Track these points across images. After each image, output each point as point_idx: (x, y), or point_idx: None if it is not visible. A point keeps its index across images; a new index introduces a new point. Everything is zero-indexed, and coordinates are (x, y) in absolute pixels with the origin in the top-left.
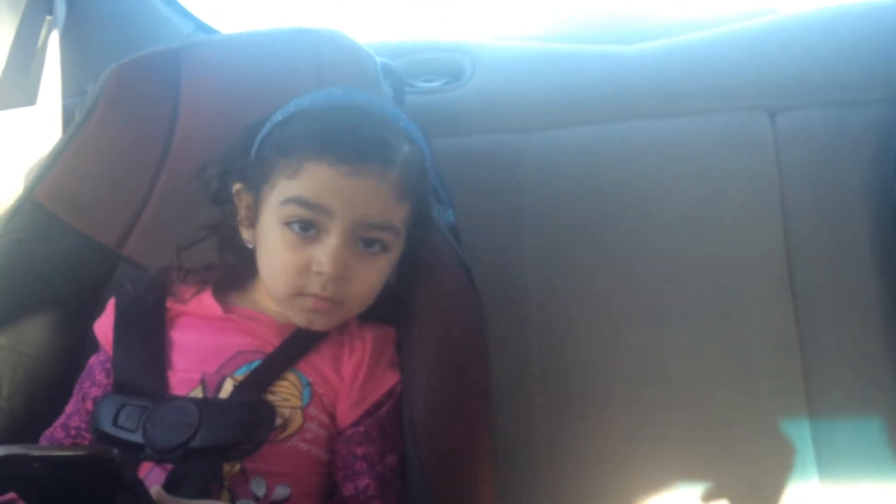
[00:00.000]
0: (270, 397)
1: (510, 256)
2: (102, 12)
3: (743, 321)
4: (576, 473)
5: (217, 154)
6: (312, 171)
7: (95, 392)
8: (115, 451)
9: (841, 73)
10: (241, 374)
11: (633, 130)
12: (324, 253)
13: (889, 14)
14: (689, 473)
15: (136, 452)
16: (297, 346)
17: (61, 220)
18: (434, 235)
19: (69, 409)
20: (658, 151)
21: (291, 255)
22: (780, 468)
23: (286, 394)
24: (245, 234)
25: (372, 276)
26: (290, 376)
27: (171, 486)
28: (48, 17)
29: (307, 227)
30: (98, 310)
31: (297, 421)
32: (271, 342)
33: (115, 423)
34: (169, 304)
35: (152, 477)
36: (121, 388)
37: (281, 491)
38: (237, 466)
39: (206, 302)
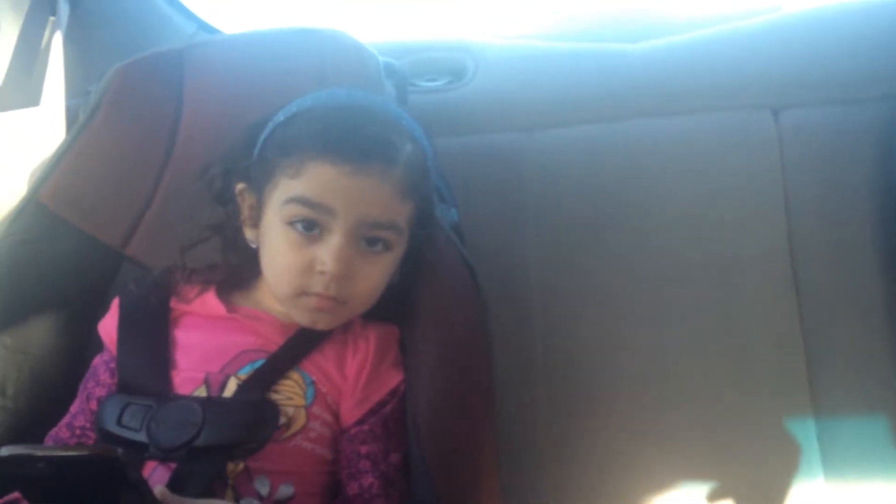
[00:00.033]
0: (274, 396)
1: (513, 255)
2: (105, 13)
3: (746, 319)
4: (581, 473)
5: (220, 154)
6: (315, 170)
7: (100, 392)
8: (120, 450)
9: (844, 70)
10: (244, 374)
11: (636, 129)
12: (327, 252)
13: (891, 11)
14: (693, 472)
15: (140, 452)
16: (301, 345)
17: (65, 220)
18: (437, 234)
19: (74, 408)
20: (661, 150)
21: (295, 255)
22: (785, 467)
23: (290, 393)
24: (248, 233)
25: (375, 275)
26: (294, 375)
27: (175, 486)
28: (51, 18)
29: (310, 227)
30: (102, 310)
31: (301, 420)
32: (275, 341)
33: (119, 423)
34: (173, 303)
35: (156, 476)
36: (125, 387)
37: (285, 490)
38: (241, 465)
39: (210, 301)
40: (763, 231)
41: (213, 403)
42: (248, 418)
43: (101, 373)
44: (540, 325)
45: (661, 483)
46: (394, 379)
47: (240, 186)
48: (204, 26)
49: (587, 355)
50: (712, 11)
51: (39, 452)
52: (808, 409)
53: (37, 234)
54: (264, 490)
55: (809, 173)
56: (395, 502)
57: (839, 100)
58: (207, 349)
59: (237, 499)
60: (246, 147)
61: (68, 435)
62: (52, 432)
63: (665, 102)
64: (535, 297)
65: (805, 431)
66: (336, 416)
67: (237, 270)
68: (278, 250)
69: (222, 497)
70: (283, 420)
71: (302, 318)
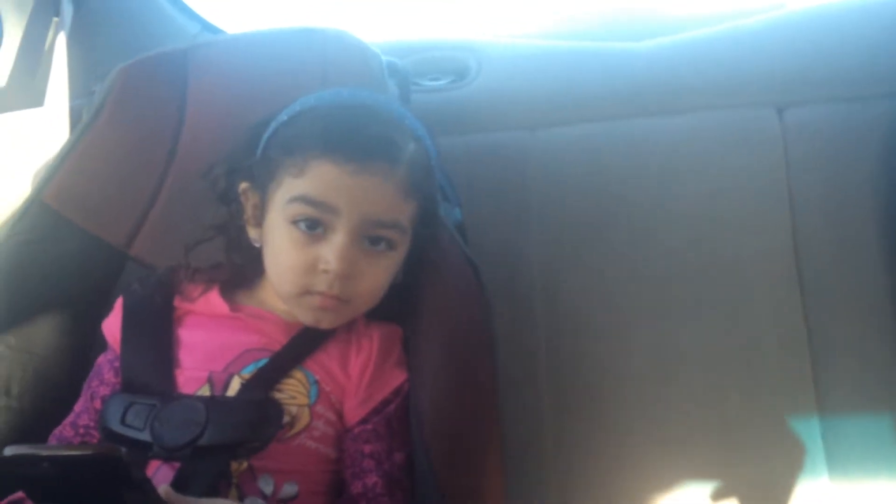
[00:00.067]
0: (278, 395)
1: (517, 254)
2: (109, 13)
3: (751, 318)
4: (585, 472)
5: (224, 153)
6: (318, 169)
7: (104, 391)
8: (123, 449)
9: (848, 68)
10: (248, 373)
11: (640, 127)
12: (330, 251)
13: (894, 9)
14: (697, 471)
15: (144, 451)
16: (305, 344)
17: (69, 220)
18: (441, 234)
19: (78, 407)
20: (664, 148)
21: (298, 254)
22: (789, 466)
23: (293, 392)
24: (252, 233)
25: (379, 274)
26: (298, 374)
27: (179, 485)
28: (55, 19)
29: (314, 226)
30: (106, 309)
31: (305, 419)
32: (279, 340)
33: (123, 422)
34: (176, 302)
35: (160, 475)
36: (129, 386)
37: (289, 489)
38: (245, 464)
39: (214, 301)
40: (767, 229)
41: (216, 402)
42: (252, 417)
43: (105, 372)
44: (544, 323)
45: (665, 481)
46: (397, 378)
47: (243, 186)
48: (207, 26)
49: (592, 354)
50: (715, 9)
51: (43, 452)
52: (812, 408)
53: (41, 234)
54: (268, 489)
55: (814, 171)
56: (398, 501)
57: (843, 97)
58: (211, 348)
59: (241, 498)
60: (249, 146)
61: (72, 434)
62: (56, 431)
63: (669, 101)
64: (538, 295)
65: (809, 430)
66: (340, 415)
67: (241, 270)
68: (282, 249)
69: (226, 496)
70: (286, 419)
71: (305, 317)
